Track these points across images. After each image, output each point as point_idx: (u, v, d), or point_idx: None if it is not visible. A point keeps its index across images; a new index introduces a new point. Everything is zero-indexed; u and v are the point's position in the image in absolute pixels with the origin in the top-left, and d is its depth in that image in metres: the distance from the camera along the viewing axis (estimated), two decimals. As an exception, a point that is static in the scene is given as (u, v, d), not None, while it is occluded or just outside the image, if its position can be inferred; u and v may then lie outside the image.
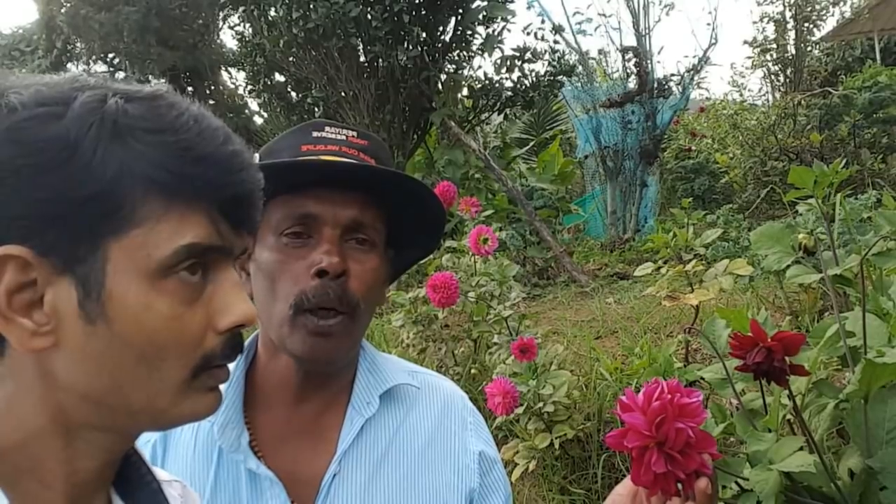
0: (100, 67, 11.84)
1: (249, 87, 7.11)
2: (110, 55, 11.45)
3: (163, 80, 11.01)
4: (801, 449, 1.15)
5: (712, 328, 1.47)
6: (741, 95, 11.10)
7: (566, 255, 5.30)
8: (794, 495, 1.22)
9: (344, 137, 0.93)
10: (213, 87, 11.72)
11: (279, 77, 6.55)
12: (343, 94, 5.42)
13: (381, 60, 5.25)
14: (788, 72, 11.34)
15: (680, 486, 0.79)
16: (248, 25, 5.58)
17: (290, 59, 5.45)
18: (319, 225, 0.86)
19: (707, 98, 10.95)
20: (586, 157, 7.81)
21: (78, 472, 0.55)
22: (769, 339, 0.97)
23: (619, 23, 6.74)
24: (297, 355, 0.86)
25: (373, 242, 0.89)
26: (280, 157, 0.91)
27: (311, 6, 4.79)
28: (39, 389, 0.52)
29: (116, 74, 11.53)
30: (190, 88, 11.32)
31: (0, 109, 0.49)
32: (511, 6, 5.83)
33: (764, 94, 12.45)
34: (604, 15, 7.30)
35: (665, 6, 6.73)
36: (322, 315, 0.84)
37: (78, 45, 11.12)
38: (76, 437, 0.54)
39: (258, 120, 10.97)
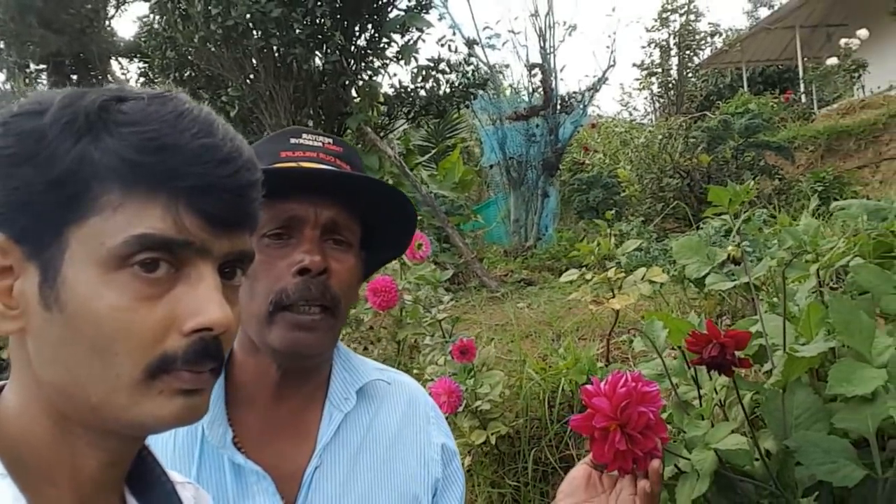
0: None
1: (143, 80, 6.76)
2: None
3: (43, 66, 10.25)
4: (732, 432, 1.35)
5: (652, 328, 1.65)
6: (630, 115, 11.89)
7: (476, 261, 5.49)
8: (724, 472, 1.42)
9: (320, 144, 0.98)
10: (100, 77, 11.01)
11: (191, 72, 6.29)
12: (260, 93, 5.32)
13: (298, 63, 5.21)
14: (671, 94, 12.30)
15: (634, 466, 0.91)
16: (161, 17, 5.34)
17: (205, 56, 5.28)
18: (300, 226, 0.89)
19: (598, 115, 11.62)
20: (491, 166, 8.08)
21: (82, 470, 0.55)
22: (722, 337, 1.14)
23: (525, 40, 7.06)
24: (277, 349, 0.88)
25: (349, 243, 0.94)
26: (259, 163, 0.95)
27: (232, 2, 4.67)
28: (27, 377, 0.54)
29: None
30: (74, 77, 10.58)
31: (6, 109, 0.53)
32: (427, 17, 5.98)
33: (648, 115, 13.42)
34: (513, 32, 7.61)
35: (568, 27, 7.13)
36: (303, 310, 0.87)
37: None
38: (71, 433, 0.54)
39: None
